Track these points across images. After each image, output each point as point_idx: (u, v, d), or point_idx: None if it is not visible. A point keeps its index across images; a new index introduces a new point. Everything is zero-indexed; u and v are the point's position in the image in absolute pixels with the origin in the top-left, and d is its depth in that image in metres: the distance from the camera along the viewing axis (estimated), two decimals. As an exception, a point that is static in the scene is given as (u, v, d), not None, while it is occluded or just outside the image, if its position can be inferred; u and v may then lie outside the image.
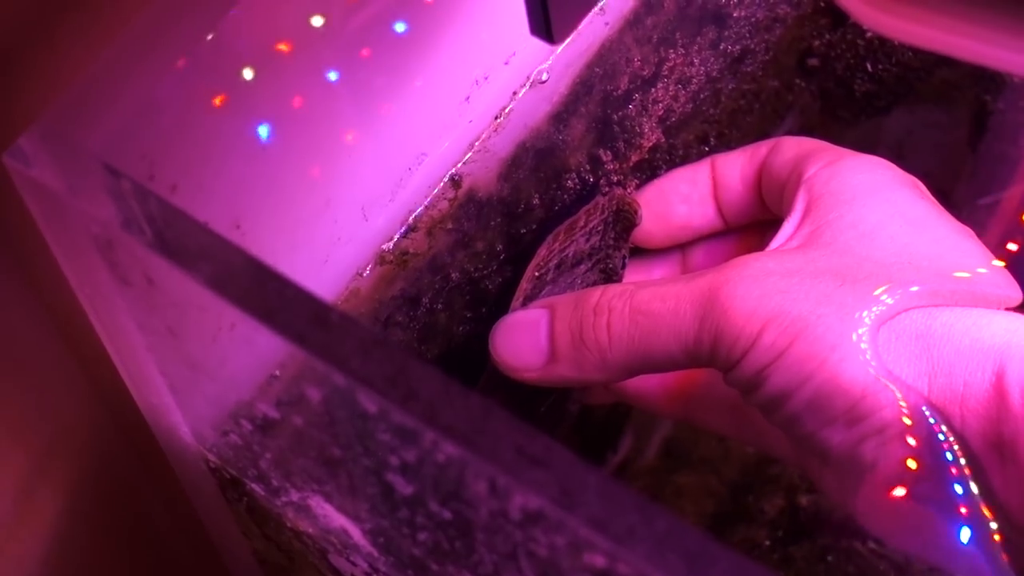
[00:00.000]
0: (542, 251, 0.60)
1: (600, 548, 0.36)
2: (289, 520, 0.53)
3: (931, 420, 0.50)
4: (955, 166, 0.66)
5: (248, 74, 0.49)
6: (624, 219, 0.61)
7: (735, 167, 0.62)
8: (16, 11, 0.47)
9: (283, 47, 0.50)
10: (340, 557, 0.53)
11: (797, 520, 0.77)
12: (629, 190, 0.64)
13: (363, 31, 0.53)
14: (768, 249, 0.56)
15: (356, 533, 0.50)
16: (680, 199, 0.63)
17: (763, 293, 0.52)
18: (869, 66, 0.77)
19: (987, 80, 0.75)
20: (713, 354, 0.53)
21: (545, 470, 0.36)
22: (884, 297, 0.52)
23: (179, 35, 0.46)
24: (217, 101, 0.48)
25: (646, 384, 0.64)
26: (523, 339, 0.57)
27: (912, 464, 0.50)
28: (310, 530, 0.52)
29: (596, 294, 0.56)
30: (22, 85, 0.48)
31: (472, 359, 0.63)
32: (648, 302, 0.54)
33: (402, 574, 0.50)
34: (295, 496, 0.51)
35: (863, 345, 0.51)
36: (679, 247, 0.66)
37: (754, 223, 0.64)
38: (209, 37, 0.46)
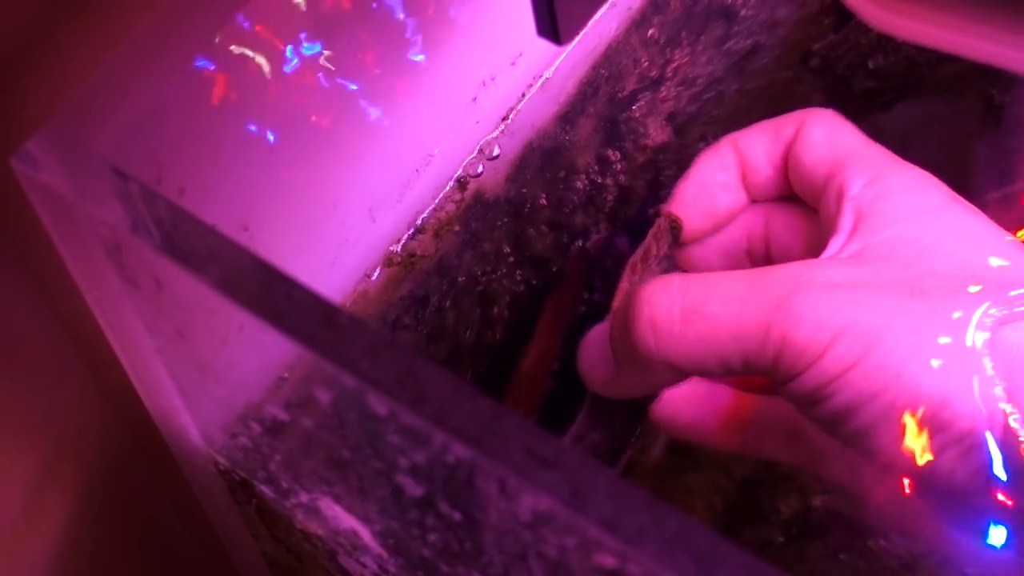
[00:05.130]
0: (623, 284, 0.59)
1: (610, 548, 0.36)
2: (299, 522, 0.53)
3: (1013, 427, 0.50)
4: (961, 160, 0.65)
5: (255, 76, 0.49)
6: (676, 236, 0.60)
7: (760, 148, 0.61)
8: (23, 15, 0.47)
9: (290, 49, 0.50)
10: (350, 559, 0.53)
11: (809, 519, 0.77)
12: (670, 205, 0.62)
13: (370, 33, 0.53)
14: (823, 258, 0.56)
15: (366, 534, 0.50)
16: (722, 189, 0.61)
17: (833, 304, 0.51)
18: (872, 63, 0.77)
19: (993, 74, 0.75)
20: (776, 363, 0.52)
21: (555, 471, 0.36)
22: (960, 309, 0.51)
23: (186, 38, 0.46)
24: (225, 104, 0.48)
25: (701, 419, 0.63)
26: (595, 352, 0.57)
27: (993, 474, 0.50)
28: (320, 532, 0.52)
29: (641, 294, 0.54)
30: (30, 89, 0.48)
31: (481, 360, 0.63)
32: (705, 303, 0.53)
33: (412, 575, 0.50)
34: (305, 498, 0.51)
35: (938, 357, 0.50)
36: None
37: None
38: (216, 40, 0.46)
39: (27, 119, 0.48)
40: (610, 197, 0.69)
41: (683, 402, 0.60)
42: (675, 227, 0.59)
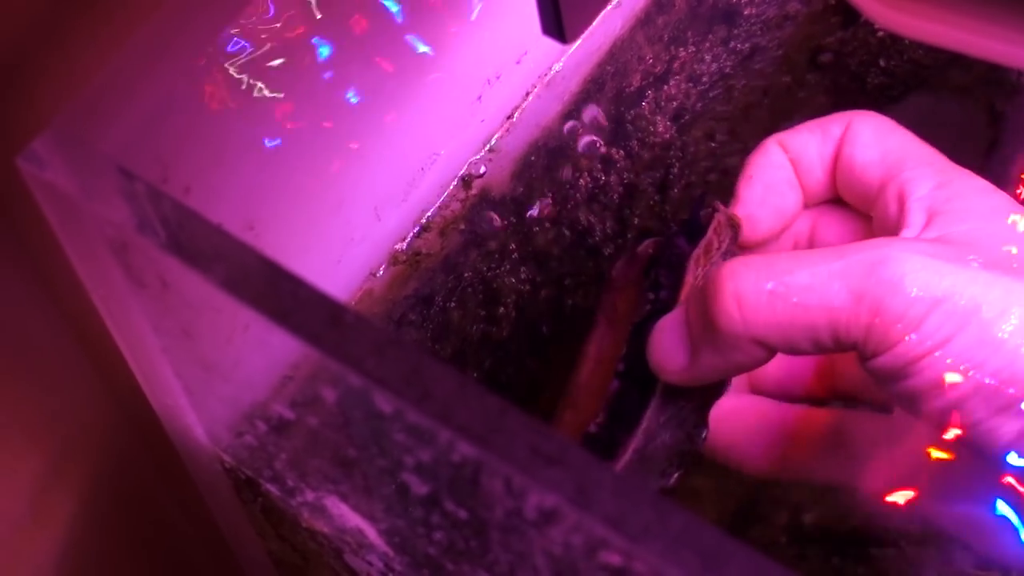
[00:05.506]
0: (688, 278, 0.59)
1: (616, 546, 0.36)
2: (304, 520, 0.53)
3: None
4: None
5: (260, 77, 0.49)
6: (736, 231, 0.59)
7: (812, 148, 0.60)
8: (28, 15, 0.47)
9: (294, 48, 0.50)
10: (355, 557, 0.53)
11: (815, 521, 0.77)
12: (736, 206, 0.61)
13: (375, 33, 0.53)
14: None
15: (371, 533, 0.50)
16: (788, 187, 0.60)
17: (930, 273, 0.50)
18: (881, 62, 0.77)
19: (997, 83, 0.75)
20: (867, 335, 0.51)
21: (560, 469, 0.36)
22: None
23: (191, 37, 0.46)
24: (230, 103, 0.48)
25: (741, 440, 0.63)
26: (668, 340, 0.56)
27: None
28: (325, 530, 0.52)
29: (722, 270, 0.53)
30: (35, 89, 0.48)
31: (487, 358, 0.63)
32: (793, 274, 0.52)
33: (417, 573, 0.50)
34: (310, 496, 0.51)
35: None
36: None
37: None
38: (220, 40, 0.47)
39: (33, 119, 0.48)
40: (615, 195, 0.69)
41: (721, 424, 0.60)
42: (734, 225, 0.59)
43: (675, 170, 0.71)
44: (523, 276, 0.65)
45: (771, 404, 0.62)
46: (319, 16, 0.50)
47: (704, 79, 0.70)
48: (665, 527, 0.35)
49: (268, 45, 0.49)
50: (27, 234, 0.50)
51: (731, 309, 0.52)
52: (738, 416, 0.61)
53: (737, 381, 0.61)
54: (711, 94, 0.71)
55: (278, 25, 0.49)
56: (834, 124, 0.59)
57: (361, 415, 0.41)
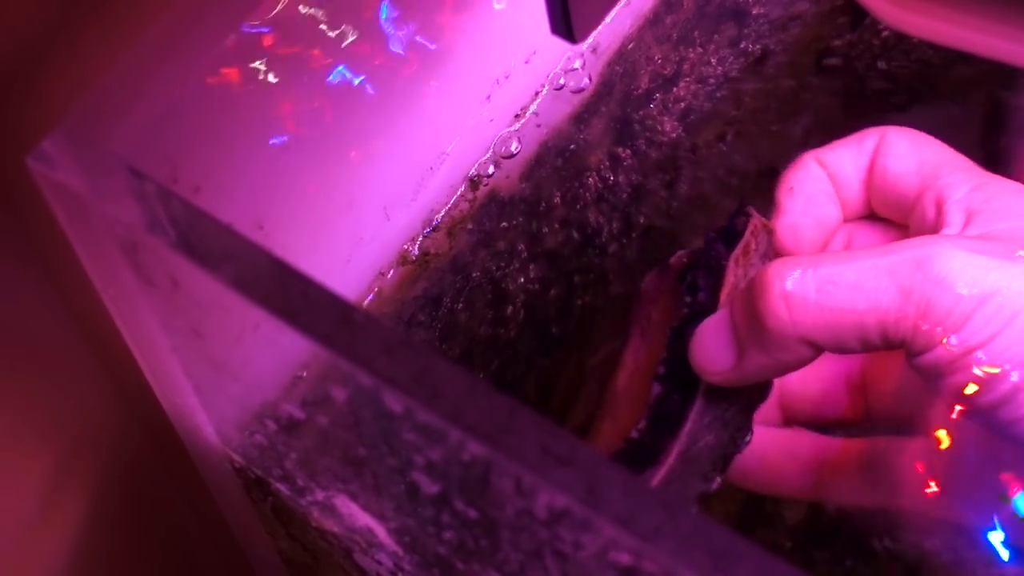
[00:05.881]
0: (728, 278, 0.59)
1: (626, 546, 0.36)
2: (314, 519, 0.53)
3: None
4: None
5: (270, 76, 0.49)
6: (771, 236, 0.59)
7: (848, 162, 0.60)
8: (38, 15, 0.47)
9: (303, 48, 0.50)
10: (365, 556, 0.53)
11: (819, 524, 0.77)
12: (779, 217, 0.61)
13: (384, 32, 0.53)
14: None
15: (381, 532, 0.50)
16: (828, 199, 0.60)
17: (977, 269, 0.50)
18: (885, 64, 0.77)
19: (1004, 78, 0.75)
20: (915, 331, 0.51)
21: (570, 468, 0.36)
22: None
23: (201, 37, 0.46)
24: (240, 103, 0.48)
25: (775, 467, 0.63)
26: (711, 341, 0.56)
27: None
28: (335, 529, 0.52)
29: (769, 269, 0.53)
30: (45, 88, 0.48)
31: (495, 358, 0.63)
32: (839, 272, 0.52)
33: (427, 573, 0.50)
34: (320, 495, 0.51)
35: None
36: None
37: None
38: (230, 39, 0.47)
39: (43, 118, 0.48)
40: (624, 195, 0.69)
41: (756, 452, 0.60)
42: (769, 230, 0.59)
43: (684, 170, 0.71)
44: (532, 276, 0.65)
45: (805, 435, 0.62)
46: (328, 17, 0.50)
47: (712, 80, 0.70)
48: (675, 526, 0.35)
49: (278, 44, 0.49)
50: (37, 234, 0.51)
51: (779, 308, 0.52)
52: (772, 449, 0.61)
53: (767, 408, 0.60)
54: (719, 95, 0.71)
55: (288, 25, 0.49)
56: (868, 138, 0.59)
57: (371, 414, 0.41)
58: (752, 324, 0.53)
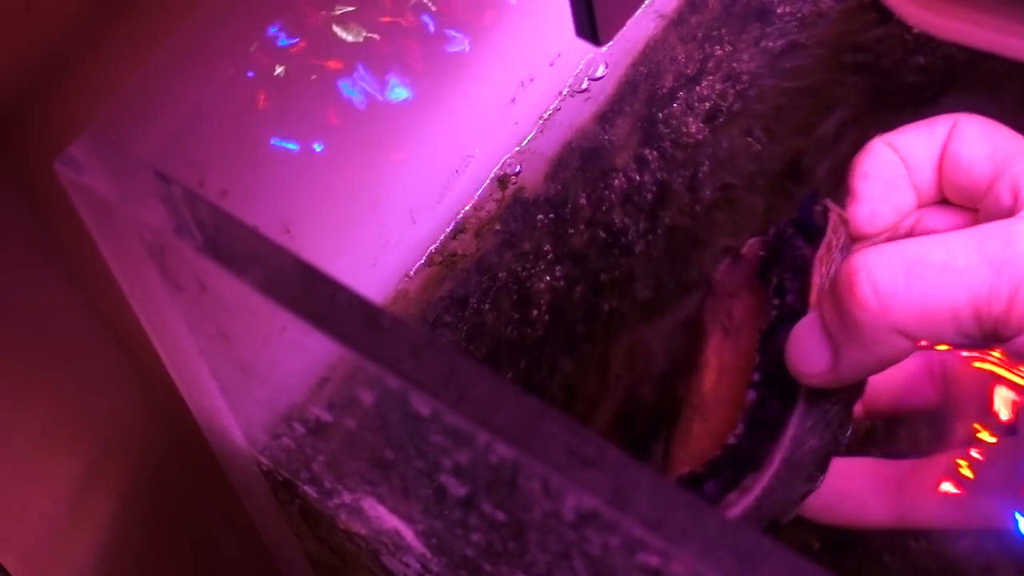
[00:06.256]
0: (815, 279, 0.58)
1: (653, 547, 0.36)
2: (342, 522, 0.53)
3: None
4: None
5: (296, 80, 0.49)
6: (847, 228, 0.59)
7: (920, 147, 0.59)
8: (64, 20, 0.47)
9: (329, 53, 0.50)
10: (392, 558, 0.53)
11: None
12: (854, 204, 0.60)
13: (409, 35, 0.53)
14: None
15: (409, 534, 0.50)
16: (905, 184, 0.59)
17: None
18: (916, 59, 0.77)
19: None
20: (1010, 310, 0.50)
21: (598, 470, 0.36)
22: None
23: (227, 41, 0.46)
24: (266, 107, 0.48)
25: (855, 500, 0.62)
26: (806, 344, 0.55)
27: None
28: (363, 531, 0.52)
29: (852, 260, 0.52)
30: (72, 93, 0.48)
31: (520, 357, 0.63)
32: (927, 255, 0.51)
33: (455, 575, 0.50)
34: (347, 498, 0.51)
35: None
36: None
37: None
38: (255, 44, 0.47)
39: (70, 123, 0.49)
40: (649, 195, 0.69)
41: (833, 485, 0.59)
42: (846, 221, 0.58)
43: (705, 169, 0.71)
44: (558, 276, 0.65)
45: (881, 463, 0.61)
46: (353, 21, 0.51)
47: (737, 79, 0.70)
48: (702, 528, 0.35)
49: (303, 49, 0.49)
50: (65, 238, 0.51)
51: (868, 298, 0.51)
52: (849, 480, 0.61)
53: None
54: (745, 93, 0.71)
55: (312, 28, 0.49)
56: (939, 124, 0.59)
57: (398, 417, 0.41)
58: (843, 320, 0.52)
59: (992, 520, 0.59)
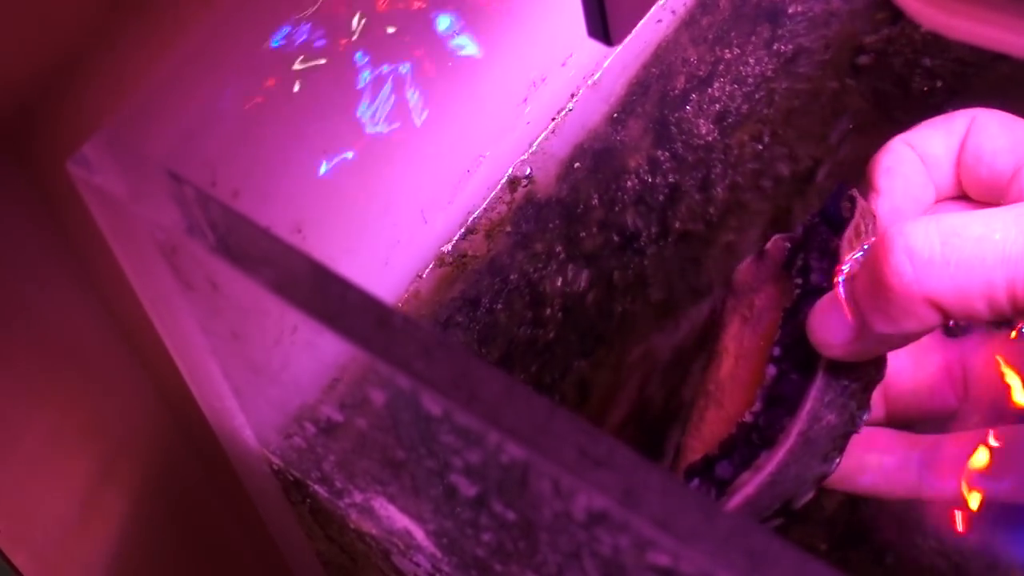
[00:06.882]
0: (844, 257, 0.58)
1: (664, 547, 0.36)
2: (352, 521, 0.53)
3: None
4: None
5: (308, 80, 0.49)
6: (875, 220, 0.59)
7: (938, 144, 0.60)
8: (78, 20, 0.48)
9: (341, 53, 0.50)
10: (403, 558, 0.53)
11: (856, 519, 0.77)
12: (877, 199, 0.60)
13: (420, 35, 0.53)
14: None
15: (419, 534, 0.50)
16: (924, 181, 0.60)
17: None
18: (926, 61, 0.77)
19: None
20: None
21: (608, 470, 0.36)
22: None
23: (239, 42, 0.46)
24: (278, 107, 0.48)
25: (877, 464, 0.62)
26: (831, 314, 0.55)
27: None
28: (373, 531, 0.53)
29: (891, 229, 0.51)
30: (85, 93, 0.49)
31: (533, 359, 0.63)
32: (965, 226, 0.50)
33: (465, 575, 0.50)
34: (358, 497, 0.51)
35: None
36: None
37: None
38: (267, 44, 0.47)
39: (83, 123, 0.49)
40: (661, 197, 0.69)
41: (855, 454, 0.59)
42: (871, 212, 0.58)
43: (717, 171, 0.71)
44: (570, 277, 0.65)
45: (904, 434, 0.61)
46: (366, 21, 0.51)
47: (748, 81, 0.70)
48: (713, 528, 0.35)
49: (315, 49, 0.49)
50: (77, 237, 0.51)
51: (903, 266, 0.51)
52: (870, 447, 0.61)
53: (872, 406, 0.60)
54: (755, 96, 0.71)
55: (325, 29, 0.49)
56: (957, 120, 0.59)
57: (409, 417, 0.41)
58: (875, 289, 0.52)
59: (1013, 497, 0.59)
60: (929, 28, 0.44)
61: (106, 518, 0.61)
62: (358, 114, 0.52)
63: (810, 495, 0.57)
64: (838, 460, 0.56)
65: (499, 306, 0.63)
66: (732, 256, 0.74)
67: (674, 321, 0.74)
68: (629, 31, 0.47)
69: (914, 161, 0.60)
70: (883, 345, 0.54)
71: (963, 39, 0.42)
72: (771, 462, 0.55)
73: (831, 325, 0.55)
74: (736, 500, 0.55)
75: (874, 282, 0.52)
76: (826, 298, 0.55)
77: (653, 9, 0.62)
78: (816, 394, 0.55)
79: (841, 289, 0.55)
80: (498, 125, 0.60)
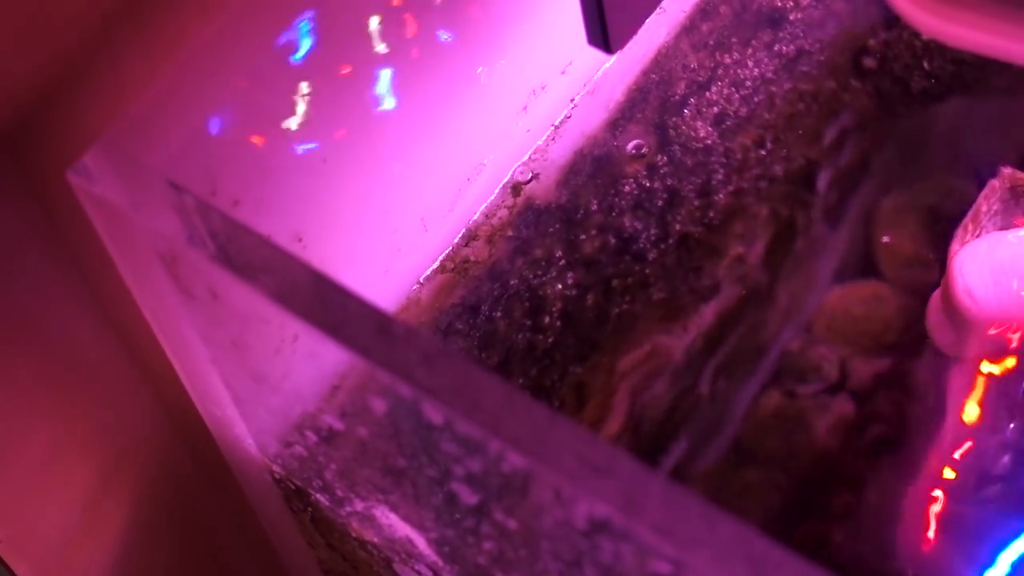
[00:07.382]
0: (954, 246, 0.57)
1: (665, 555, 0.36)
2: (354, 530, 0.53)
3: None
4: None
5: (307, 89, 0.49)
6: (1020, 193, 0.58)
7: None
8: (79, 30, 0.48)
9: (341, 62, 0.51)
10: (405, 566, 0.53)
11: (863, 516, 0.76)
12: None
13: (420, 43, 0.53)
14: None
15: (421, 542, 0.50)
16: None
17: None
18: (925, 64, 0.77)
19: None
20: None
21: (609, 478, 0.36)
22: None
23: (238, 52, 0.46)
24: (277, 116, 0.48)
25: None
26: (936, 315, 0.55)
27: None
28: (375, 540, 0.53)
29: (954, 260, 0.53)
30: (85, 102, 0.49)
31: (532, 365, 0.63)
32: (1016, 259, 0.51)
33: (467, 582, 0.50)
34: (360, 506, 0.51)
35: None
36: None
37: None
38: (268, 53, 0.47)
39: (83, 132, 0.49)
40: (660, 202, 0.69)
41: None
42: (1018, 186, 0.58)
43: (718, 176, 0.71)
44: (569, 283, 0.65)
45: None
46: (365, 30, 0.51)
47: (748, 84, 0.70)
48: (714, 535, 0.35)
49: (315, 58, 0.49)
50: (77, 247, 0.51)
51: (965, 303, 0.52)
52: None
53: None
54: (755, 99, 0.71)
55: (325, 40, 0.49)
56: None
57: (410, 425, 0.41)
58: (951, 311, 0.53)
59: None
60: (928, 35, 0.44)
61: (107, 527, 0.60)
62: (358, 123, 0.52)
63: None
64: None
65: (499, 312, 0.63)
66: (733, 259, 0.74)
67: (674, 326, 0.74)
68: (628, 39, 0.47)
69: None
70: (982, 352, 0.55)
71: (962, 47, 0.42)
72: None
73: (937, 325, 0.55)
74: None
75: (949, 307, 0.54)
76: (936, 297, 0.56)
77: (652, 15, 0.62)
78: None
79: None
80: (498, 132, 0.60)
